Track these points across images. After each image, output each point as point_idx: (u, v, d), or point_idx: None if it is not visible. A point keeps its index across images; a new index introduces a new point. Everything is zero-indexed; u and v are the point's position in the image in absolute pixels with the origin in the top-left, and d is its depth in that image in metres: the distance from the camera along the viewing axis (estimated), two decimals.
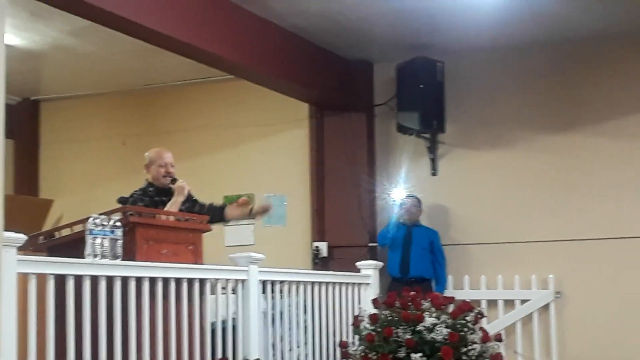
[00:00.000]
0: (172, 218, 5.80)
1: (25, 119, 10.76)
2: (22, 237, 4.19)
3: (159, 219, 5.66)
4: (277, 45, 8.29)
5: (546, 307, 8.82)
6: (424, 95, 9.00)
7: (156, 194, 6.36)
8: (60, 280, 4.59)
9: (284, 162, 9.80)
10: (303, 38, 8.65)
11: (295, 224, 9.67)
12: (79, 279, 4.69)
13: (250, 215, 6.84)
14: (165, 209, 6.16)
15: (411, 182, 9.18)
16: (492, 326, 8.17)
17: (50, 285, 4.51)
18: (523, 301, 8.87)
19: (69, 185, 10.53)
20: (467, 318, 6.74)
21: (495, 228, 9.03)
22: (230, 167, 9.94)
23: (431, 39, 8.72)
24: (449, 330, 6.56)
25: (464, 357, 6.55)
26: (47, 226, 9.31)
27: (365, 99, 9.53)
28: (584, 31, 8.52)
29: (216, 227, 6.48)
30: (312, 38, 8.71)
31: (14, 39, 8.22)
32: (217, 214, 6.63)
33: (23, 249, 4.27)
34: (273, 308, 6.41)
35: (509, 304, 8.92)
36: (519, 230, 8.95)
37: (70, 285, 4.63)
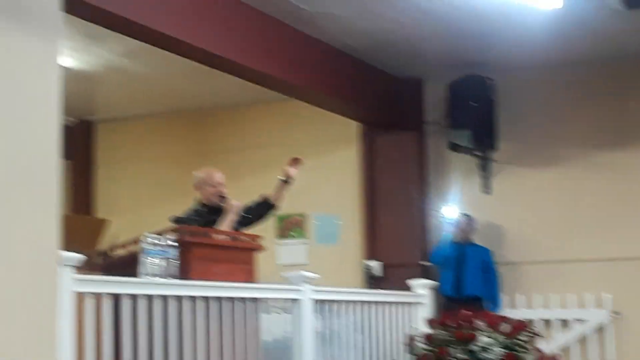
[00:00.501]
0: (226, 237, 5.83)
1: (81, 139, 10.90)
2: (78, 257, 4.24)
3: (214, 238, 5.69)
4: (328, 64, 8.31)
5: (603, 327, 8.69)
6: (476, 113, 8.95)
7: (208, 213, 6.40)
8: (116, 299, 4.63)
9: (335, 180, 9.80)
10: (354, 57, 8.67)
11: (348, 242, 9.66)
12: (134, 298, 4.72)
13: (287, 182, 6.82)
14: (218, 227, 6.19)
15: (464, 201, 9.13)
16: (547, 346, 8.06)
17: (106, 304, 4.55)
18: (578, 321, 8.75)
19: (124, 205, 10.63)
20: (521, 337, 6.68)
21: (549, 246, 8.93)
22: None
23: (482, 57, 8.68)
24: (503, 349, 6.51)
25: None
26: (102, 245, 9.40)
27: (415, 117, 9.50)
28: (638, 47, 8.43)
29: (269, 246, 6.49)
30: (363, 57, 8.72)
31: (69, 60, 8.34)
32: (264, 207, 6.72)
33: (79, 268, 4.32)
34: (327, 327, 6.39)
35: (564, 323, 8.81)
36: (574, 248, 8.85)
37: (125, 304, 4.66)
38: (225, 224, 6.26)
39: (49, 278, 4.00)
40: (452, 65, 8.84)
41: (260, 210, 6.72)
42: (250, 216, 6.59)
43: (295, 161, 6.82)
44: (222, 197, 6.40)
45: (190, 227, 5.86)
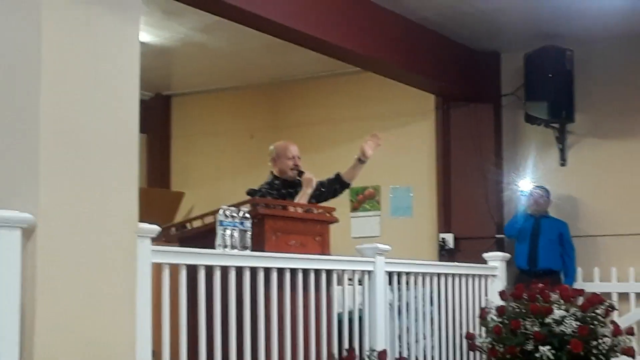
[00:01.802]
0: (300, 210, 5.89)
1: (158, 113, 11.05)
2: (156, 229, 4.33)
3: (288, 210, 5.75)
4: (404, 36, 8.29)
5: None
6: (553, 84, 8.86)
7: (282, 186, 6.46)
8: (192, 270, 4.72)
9: (409, 153, 9.79)
10: (430, 29, 8.63)
11: (421, 215, 9.66)
12: (209, 269, 4.81)
13: (362, 161, 6.78)
14: (294, 201, 6.25)
15: (539, 173, 9.04)
16: (623, 320, 7.99)
17: (183, 275, 4.65)
18: None
19: (199, 177, 10.77)
20: (597, 311, 6.63)
21: (626, 219, 8.80)
22: None
23: (560, 28, 8.57)
24: (578, 323, 6.47)
25: (594, 351, 6.45)
26: (178, 218, 9.57)
27: (492, 89, 9.44)
28: None
29: (343, 219, 6.53)
30: (439, 29, 8.68)
31: (147, 36, 8.47)
32: (336, 183, 6.72)
33: (156, 240, 4.42)
34: (399, 299, 6.43)
35: None
36: None
37: (201, 275, 4.75)
38: (301, 197, 6.31)
39: (128, 249, 4.10)
40: (530, 37, 8.74)
41: (333, 186, 6.73)
42: (324, 190, 6.63)
43: (374, 137, 6.77)
44: (298, 170, 6.44)
45: (265, 199, 5.92)
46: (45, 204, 3.70)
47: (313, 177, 6.44)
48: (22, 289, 3.59)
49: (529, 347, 6.46)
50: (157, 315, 4.41)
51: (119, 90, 4.11)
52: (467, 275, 7.27)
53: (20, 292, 3.58)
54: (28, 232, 3.63)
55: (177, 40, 8.82)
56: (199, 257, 4.77)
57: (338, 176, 6.77)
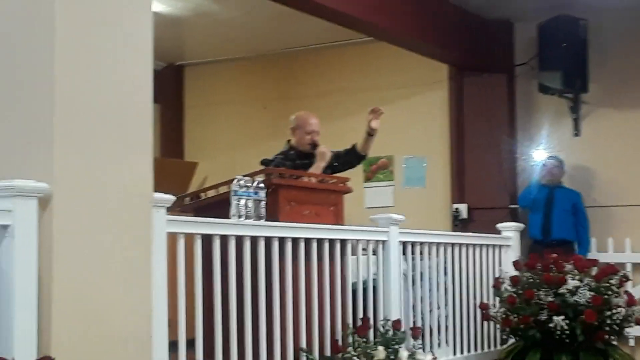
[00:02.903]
0: (314, 180, 5.89)
1: (171, 83, 11.03)
2: (170, 198, 4.33)
3: (302, 180, 5.75)
4: (417, 6, 8.24)
5: None
6: (567, 54, 8.81)
7: (297, 157, 6.45)
8: (207, 239, 4.73)
9: (423, 124, 9.77)
10: None
11: (435, 185, 9.65)
12: (224, 239, 4.82)
13: (371, 134, 6.75)
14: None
15: (553, 143, 9.01)
16: (637, 290, 7.97)
17: (198, 244, 4.66)
18: None
19: (212, 147, 10.78)
20: (611, 281, 6.63)
21: None
22: None
23: None
24: (592, 293, 6.47)
25: (608, 321, 6.45)
26: (193, 188, 9.58)
27: (505, 59, 9.39)
28: None
29: (356, 189, 6.53)
30: None
31: (159, 6, 8.44)
32: (352, 155, 6.71)
33: (171, 209, 4.42)
34: (413, 269, 6.44)
35: None
36: None
37: (216, 245, 4.76)
38: (315, 170, 6.29)
39: (143, 219, 4.11)
40: (543, 6, 8.69)
41: (348, 158, 6.71)
42: (338, 164, 6.61)
43: (374, 112, 6.75)
44: (314, 145, 6.42)
45: (279, 169, 5.92)
46: (61, 173, 3.70)
47: (327, 150, 6.42)
48: (38, 258, 3.60)
49: (543, 317, 6.47)
50: (172, 284, 4.43)
51: (133, 60, 4.09)
52: (480, 246, 7.27)
53: (37, 261, 3.59)
54: (44, 202, 3.63)
55: (190, 9, 8.80)
56: (213, 226, 4.78)
57: (354, 148, 6.75)
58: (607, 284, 6.59)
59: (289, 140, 6.59)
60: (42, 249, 3.63)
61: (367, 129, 6.69)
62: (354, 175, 6.74)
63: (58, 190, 3.67)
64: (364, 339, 5.45)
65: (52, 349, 3.60)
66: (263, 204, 5.11)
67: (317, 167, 6.32)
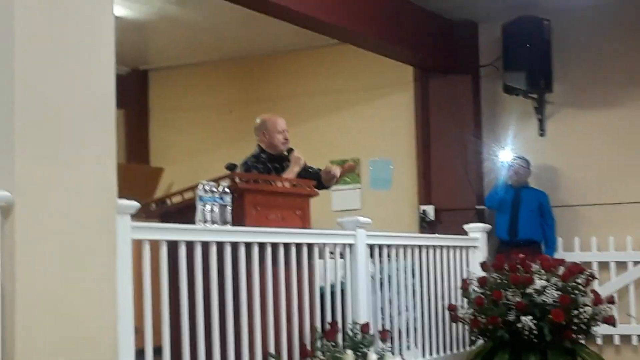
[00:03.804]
0: (280, 184, 5.86)
1: (135, 88, 10.96)
2: (135, 205, 4.30)
3: (267, 185, 5.72)
4: (381, 8, 8.24)
5: None
6: (531, 54, 8.85)
7: (269, 160, 6.42)
8: (173, 245, 4.69)
9: (388, 126, 9.77)
10: (407, 0, 8.58)
11: (402, 187, 9.65)
12: (190, 245, 4.78)
13: (333, 179, 6.66)
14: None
15: (519, 144, 9.04)
16: (603, 289, 8.03)
17: (163, 251, 4.63)
18: (636, 263, 8.67)
19: (178, 153, 10.72)
20: (578, 280, 6.67)
21: (606, 188, 8.83)
22: (335, 133, 9.96)
23: None
24: (559, 292, 6.50)
25: (576, 320, 6.49)
26: (159, 194, 9.52)
27: (470, 60, 9.41)
28: None
29: (323, 192, 6.52)
30: (417, 0, 8.63)
31: (122, 10, 8.38)
32: (317, 180, 6.54)
33: (136, 216, 4.38)
34: (381, 272, 6.43)
35: (621, 266, 8.74)
36: (631, 190, 8.74)
37: (182, 251, 4.73)
38: (288, 175, 6.26)
39: (107, 226, 4.07)
40: (507, 7, 8.72)
41: (315, 177, 6.57)
42: (310, 171, 6.55)
43: (345, 170, 6.67)
44: (288, 146, 6.38)
45: (244, 173, 5.89)
46: (22, 181, 3.66)
47: (301, 156, 6.40)
48: (1, 267, 3.55)
49: (511, 317, 6.49)
50: (138, 291, 4.38)
51: (95, 65, 4.06)
52: (448, 247, 7.28)
53: (0, 271, 3.54)
54: (5, 210, 3.59)
55: (153, 14, 8.74)
56: (179, 232, 4.74)
57: (318, 175, 6.64)
58: (574, 283, 6.63)
59: (259, 145, 6.53)
60: (5, 257, 3.59)
61: (335, 173, 6.60)
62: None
63: (20, 198, 3.63)
64: (333, 343, 5.44)
65: (16, 357, 3.56)
66: (229, 209, 5.08)
67: (292, 171, 6.30)
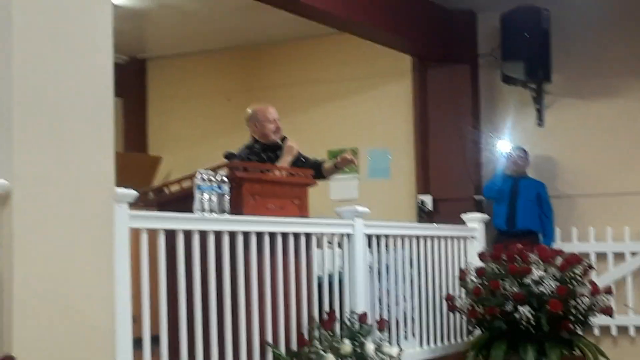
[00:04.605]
0: (279, 174, 5.85)
1: (133, 77, 10.93)
2: (133, 193, 4.30)
3: (265, 174, 5.71)
4: None
5: None
6: (529, 44, 8.82)
7: (262, 150, 6.40)
8: (170, 234, 4.69)
9: (387, 115, 9.76)
10: None
11: (400, 177, 9.64)
12: (188, 234, 4.78)
13: (338, 167, 6.64)
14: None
15: (517, 133, 9.04)
16: (601, 279, 8.04)
17: (161, 240, 4.62)
18: (633, 254, 8.68)
19: (176, 141, 10.70)
20: (575, 271, 6.67)
21: (604, 179, 8.83)
22: (334, 122, 9.95)
23: None
24: (557, 283, 6.51)
25: (573, 311, 6.50)
26: (156, 182, 9.51)
27: (468, 49, 9.39)
28: None
29: (321, 181, 6.51)
30: None
31: None
32: (316, 170, 6.52)
33: (134, 204, 4.38)
34: (379, 262, 6.43)
35: (619, 256, 8.74)
36: (629, 181, 8.74)
37: (180, 240, 4.72)
38: (282, 164, 6.25)
39: (105, 214, 4.07)
40: None
41: (312, 167, 6.54)
42: (304, 160, 6.53)
43: (346, 160, 6.63)
44: (282, 136, 6.37)
45: (243, 162, 5.88)
46: (20, 169, 3.66)
47: (295, 145, 6.37)
48: None
49: (509, 307, 6.50)
50: (136, 280, 4.38)
51: (93, 53, 4.05)
52: (446, 237, 7.28)
53: None
54: (3, 198, 3.59)
55: (151, 2, 8.71)
56: (177, 221, 4.74)
57: (320, 166, 6.61)
58: (572, 274, 6.64)
59: (253, 135, 6.52)
60: (2, 246, 3.58)
61: (337, 163, 6.58)
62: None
63: (18, 186, 3.63)
64: (330, 333, 5.44)
65: (14, 346, 3.56)
66: (227, 198, 5.08)
67: (285, 160, 6.27)
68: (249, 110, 6.53)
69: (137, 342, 4.39)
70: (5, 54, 3.69)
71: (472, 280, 6.83)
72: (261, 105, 6.58)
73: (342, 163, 6.57)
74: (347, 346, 5.36)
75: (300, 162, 6.48)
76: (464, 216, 7.80)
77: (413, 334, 6.76)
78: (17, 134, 3.66)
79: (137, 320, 4.40)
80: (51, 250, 3.76)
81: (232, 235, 5.04)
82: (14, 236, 3.60)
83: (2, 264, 3.57)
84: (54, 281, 3.76)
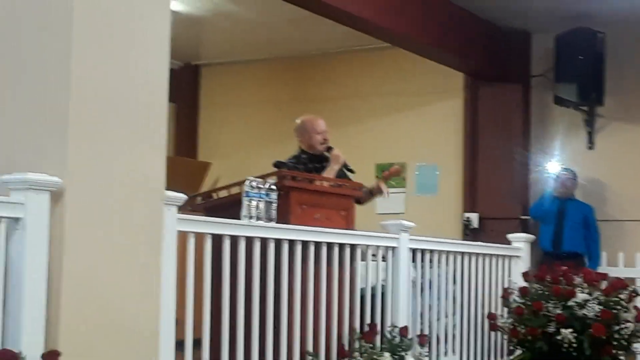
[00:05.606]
0: (326, 184, 5.88)
1: (186, 83, 11.06)
2: (182, 197, 4.33)
3: (314, 184, 5.74)
4: (435, 13, 8.25)
5: None
6: (583, 66, 8.80)
7: (309, 160, 6.43)
8: (217, 239, 4.73)
9: (436, 131, 9.77)
10: (461, 7, 8.58)
11: (447, 193, 9.64)
12: (234, 239, 4.82)
13: (373, 195, 6.65)
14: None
15: (566, 155, 9.00)
16: None
17: (208, 244, 4.66)
18: None
19: (226, 148, 10.80)
20: (620, 296, 6.61)
21: None
22: (383, 136, 9.98)
23: (592, 9, 8.50)
24: (601, 307, 6.45)
25: (616, 336, 6.43)
26: (205, 188, 9.59)
27: (521, 69, 9.38)
28: None
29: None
30: (470, 7, 8.63)
31: (178, 5, 8.47)
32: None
33: (182, 208, 4.42)
34: (422, 277, 6.42)
35: None
36: None
37: (226, 245, 4.76)
38: (328, 173, 6.27)
39: (154, 216, 4.11)
40: (561, 18, 8.68)
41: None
42: (350, 171, 6.55)
43: (392, 173, 6.59)
44: (328, 146, 6.40)
45: (292, 171, 5.91)
46: (74, 167, 3.71)
47: (341, 154, 6.39)
48: (49, 251, 3.61)
49: (551, 329, 6.45)
50: (181, 283, 4.43)
51: (150, 57, 4.10)
52: (490, 255, 7.25)
53: (48, 255, 3.60)
54: (56, 196, 3.64)
55: (208, 10, 8.83)
56: (224, 227, 4.77)
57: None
58: (617, 299, 6.57)
59: (300, 146, 6.56)
60: (53, 242, 3.63)
61: (373, 189, 6.60)
62: (366, 180, 6.73)
63: (71, 184, 3.68)
64: (371, 345, 5.44)
65: (60, 342, 3.61)
66: (274, 206, 5.11)
67: (331, 169, 6.30)
68: (298, 121, 6.57)
69: (179, 344, 4.43)
70: (64, 54, 3.74)
71: (515, 300, 6.80)
72: (310, 116, 6.61)
73: (377, 190, 6.58)
74: (387, 359, 5.36)
75: (346, 171, 6.48)
76: (510, 236, 7.76)
77: (453, 351, 6.74)
78: (72, 132, 3.71)
79: (179, 322, 4.43)
80: (100, 248, 3.80)
81: (278, 243, 5.07)
82: (64, 233, 3.65)
83: (53, 260, 3.62)
84: (101, 279, 3.80)
